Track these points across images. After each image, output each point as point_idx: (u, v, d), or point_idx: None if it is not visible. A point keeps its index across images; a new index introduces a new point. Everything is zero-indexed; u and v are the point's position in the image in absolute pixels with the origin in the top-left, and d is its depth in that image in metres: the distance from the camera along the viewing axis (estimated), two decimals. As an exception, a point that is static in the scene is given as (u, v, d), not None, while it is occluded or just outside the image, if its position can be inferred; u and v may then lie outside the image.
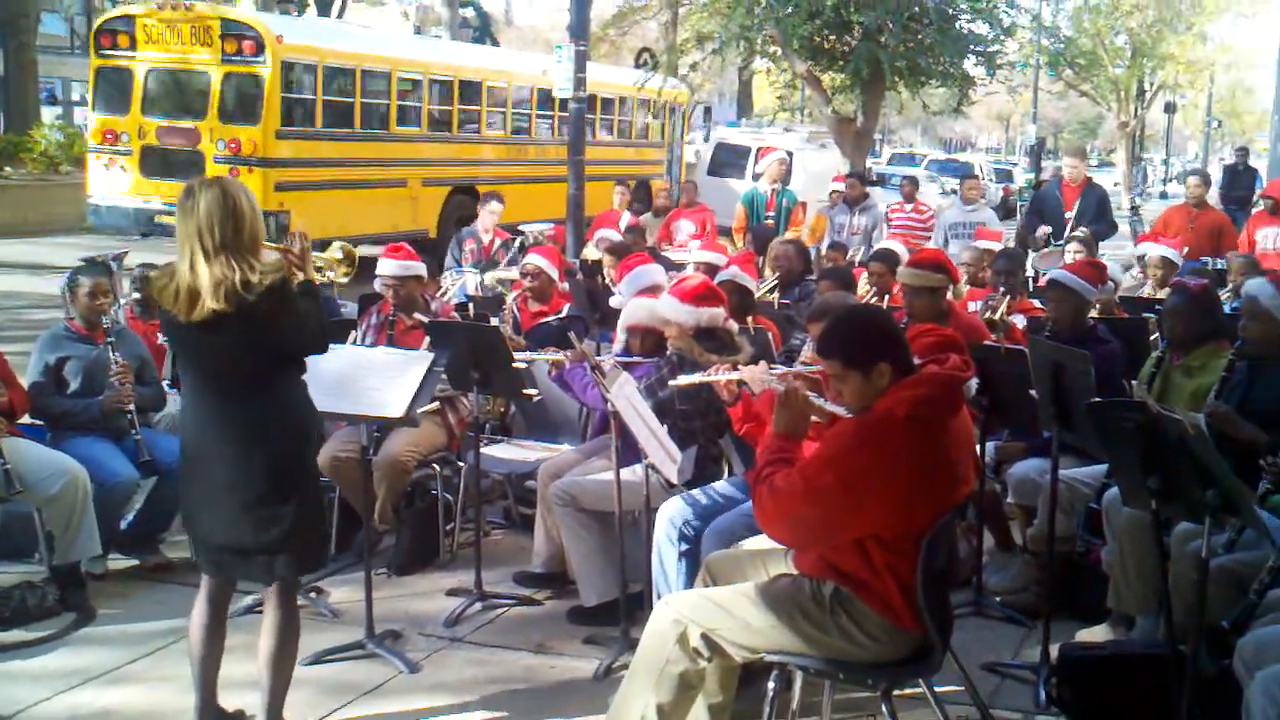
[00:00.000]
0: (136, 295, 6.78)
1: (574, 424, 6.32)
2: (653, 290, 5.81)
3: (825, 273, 7.75)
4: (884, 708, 3.48)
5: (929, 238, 12.24)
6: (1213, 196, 13.80)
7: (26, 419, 5.46)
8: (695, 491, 4.76)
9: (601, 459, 5.25)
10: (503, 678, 4.59)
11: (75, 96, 36.99)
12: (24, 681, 4.44)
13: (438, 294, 7.50)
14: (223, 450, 3.68)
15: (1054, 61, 28.59)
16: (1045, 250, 9.99)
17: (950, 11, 16.78)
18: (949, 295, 6.21)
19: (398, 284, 6.02)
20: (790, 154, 15.53)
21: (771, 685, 3.54)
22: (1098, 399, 4.00)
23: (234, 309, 3.53)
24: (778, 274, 8.24)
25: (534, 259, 7.39)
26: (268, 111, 13.39)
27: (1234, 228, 10.82)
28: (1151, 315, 6.82)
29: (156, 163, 13.74)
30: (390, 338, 5.93)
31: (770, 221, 11.92)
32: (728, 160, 20.94)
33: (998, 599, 5.26)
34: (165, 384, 6.05)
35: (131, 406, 5.44)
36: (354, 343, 5.89)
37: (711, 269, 7.11)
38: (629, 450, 4.63)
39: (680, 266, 8.56)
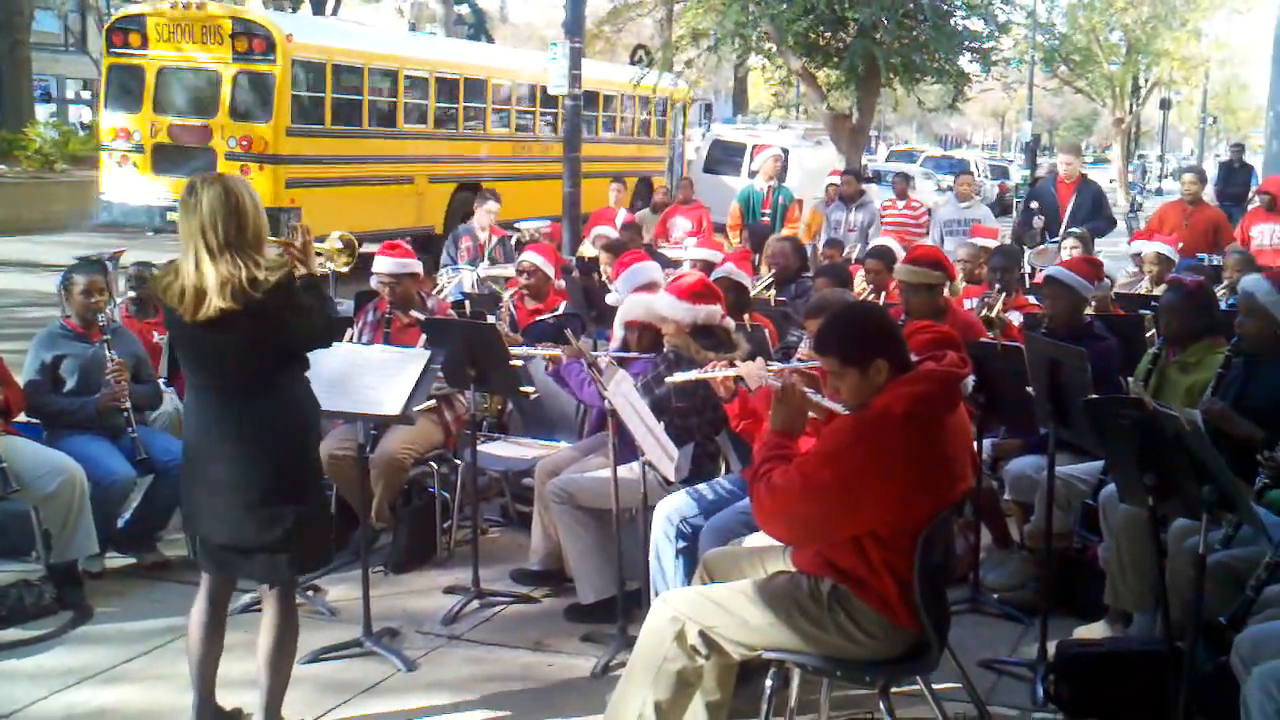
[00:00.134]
0: (132, 293, 6.78)
1: (571, 421, 6.31)
2: (649, 287, 5.82)
3: (822, 269, 7.75)
4: (881, 705, 3.48)
5: (922, 234, 12.26)
6: (1208, 193, 13.81)
7: (23, 417, 5.44)
8: (692, 489, 4.76)
9: (599, 456, 5.25)
10: (500, 675, 4.59)
11: (70, 94, 36.97)
12: (20, 680, 4.43)
13: (434, 292, 7.50)
14: (226, 449, 3.67)
15: (1049, 58, 28.67)
16: (1041, 247, 10.00)
17: (945, 8, 16.82)
18: (945, 292, 6.21)
19: (394, 281, 6.02)
20: (786, 151, 15.56)
21: (769, 683, 3.54)
22: (1094, 395, 4.00)
23: (242, 307, 3.52)
24: (774, 271, 8.24)
25: (530, 256, 7.38)
26: (278, 109, 13.59)
27: (1230, 224, 10.84)
28: (1148, 312, 6.83)
29: (168, 160, 13.87)
30: (386, 335, 5.92)
31: (766, 219, 11.93)
32: (723, 157, 20.97)
33: (995, 596, 5.26)
34: (161, 382, 6.04)
35: (128, 405, 5.42)
36: (350, 340, 5.88)
37: (708, 266, 7.12)
38: (626, 447, 4.63)
39: (676, 264, 8.57)
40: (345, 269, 4.26)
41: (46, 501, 4.95)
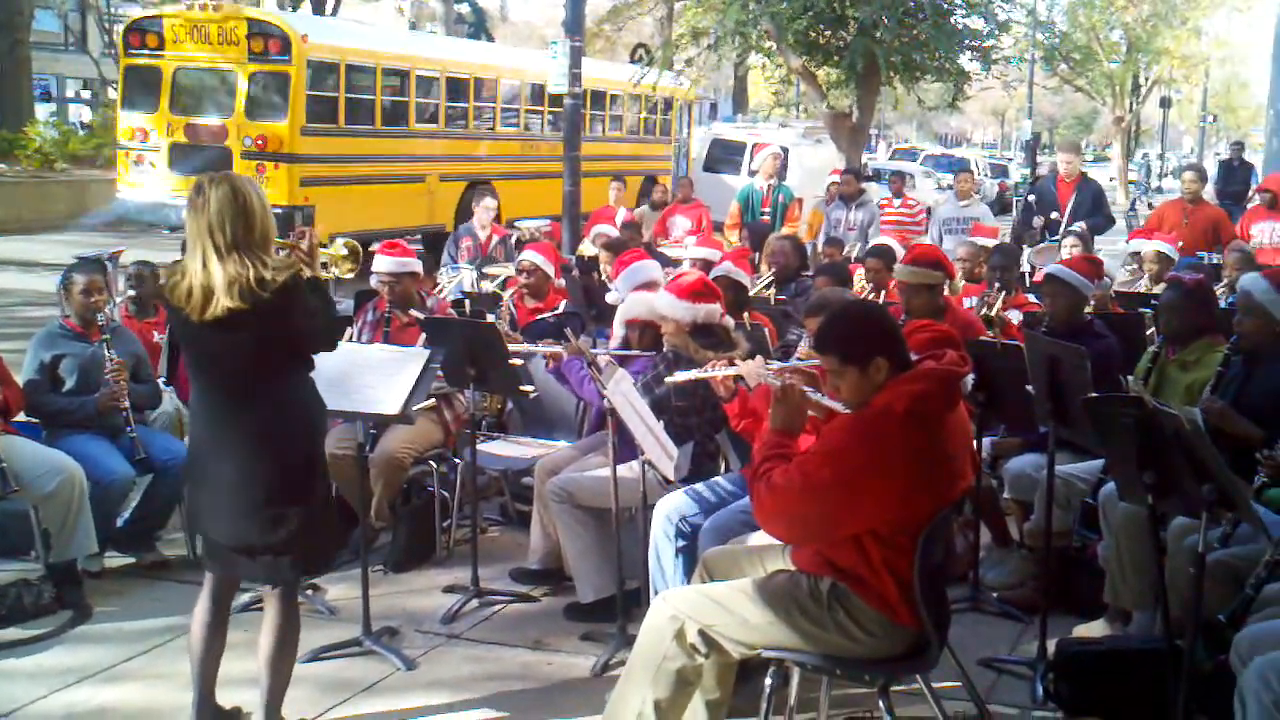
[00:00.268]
0: (132, 293, 6.77)
1: (570, 420, 6.31)
2: (649, 286, 5.82)
3: (821, 268, 7.74)
4: (881, 703, 3.48)
5: (920, 232, 12.26)
6: (1208, 192, 13.81)
7: (22, 416, 5.44)
8: (691, 488, 4.76)
9: (598, 455, 5.25)
10: (500, 674, 4.59)
11: (69, 93, 36.95)
12: (20, 680, 4.43)
13: (434, 291, 7.50)
14: (231, 449, 3.67)
15: (1049, 56, 28.58)
16: (1041, 245, 10.00)
17: (945, 6, 16.79)
18: (945, 291, 6.21)
19: (393, 280, 6.01)
20: (785, 149, 15.54)
21: (769, 681, 3.54)
22: (1094, 394, 4.00)
23: (249, 306, 3.52)
24: (774, 269, 8.24)
25: (530, 255, 7.38)
26: (293, 108, 13.75)
27: (1230, 223, 10.83)
28: (1147, 310, 6.83)
29: (184, 159, 13.99)
30: (386, 334, 5.92)
31: (766, 217, 11.93)
32: (723, 156, 20.97)
33: (995, 594, 5.26)
34: (161, 381, 6.04)
35: (127, 404, 5.42)
36: (350, 340, 5.88)
37: (707, 265, 7.12)
38: (626, 446, 4.63)
39: (676, 262, 8.57)
40: (350, 275, 4.26)
41: (46, 501, 4.95)
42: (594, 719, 3.91)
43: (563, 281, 7.75)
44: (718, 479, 4.91)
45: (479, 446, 5.70)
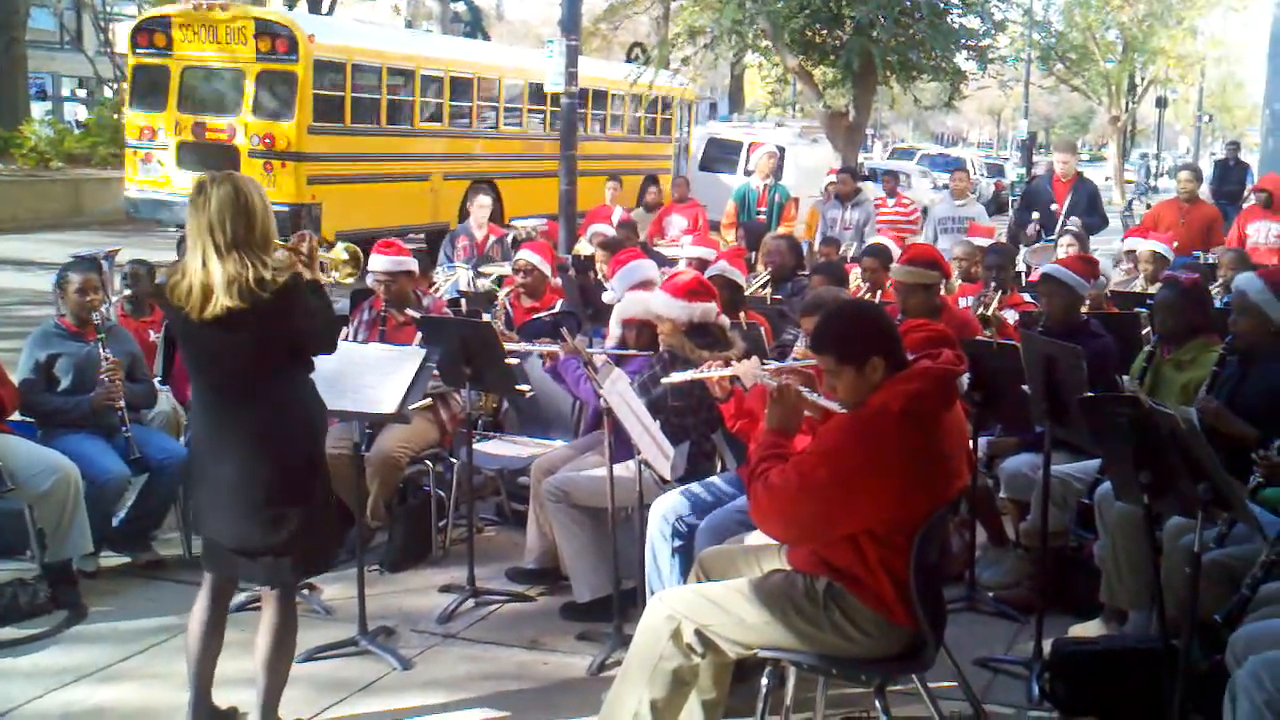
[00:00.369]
0: (127, 292, 6.76)
1: (567, 420, 6.31)
2: (645, 285, 5.81)
3: (817, 268, 7.74)
4: (877, 703, 3.48)
5: (915, 231, 12.26)
6: (1204, 191, 13.82)
7: (17, 416, 5.43)
8: (688, 488, 4.76)
9: (594, 455, 5.25)
10: (496, 674, 4.59)
11: (65, 91, 36.91)
12: (16, 679, 4.42)
13: (430, 290, 7.50)
14: (231, 450, 3.66)
15: (1045, 56, 28.67)
16: (1037, 245, 10.00)
17: (941, 6, 16.82)
18: (941, 290, 6.21)
19: (389, 279, 6.01)
20: (782, 149, 15.53)
21: (765, 681, 3.55)
22: (1090, 394, 4.00)
23: (249, 306, 3.51)
24: (770, 269, 8.24)
25: (526, 255, 7.37)
26: (300, 108, 13.88)
27: (1225, 222, 10.83)
28: (1143, 310, 6.83)
29: (192, 157, 14.09)
30: (382, 334, 5.92)
31: (762, 217, 11.93)
32: (719, 155, 20.95)
33: (990, 594, 5.26)
34: (157, 381, 6.03)
35: (122, 404, 5.41)
36: (346, 339, 5.86)
37: (703, 264, 7.11)
38: (622, 446, 4.63)
39: (672, 262, 8.56)
40: (349, 280, 4.26)
41: (41, 500, 4.94)
42: (590, 719, 3.91)
43: (559, 281, 7.74)
44: (714, 479, 4.91)
45: (475, 446, 5.70)
